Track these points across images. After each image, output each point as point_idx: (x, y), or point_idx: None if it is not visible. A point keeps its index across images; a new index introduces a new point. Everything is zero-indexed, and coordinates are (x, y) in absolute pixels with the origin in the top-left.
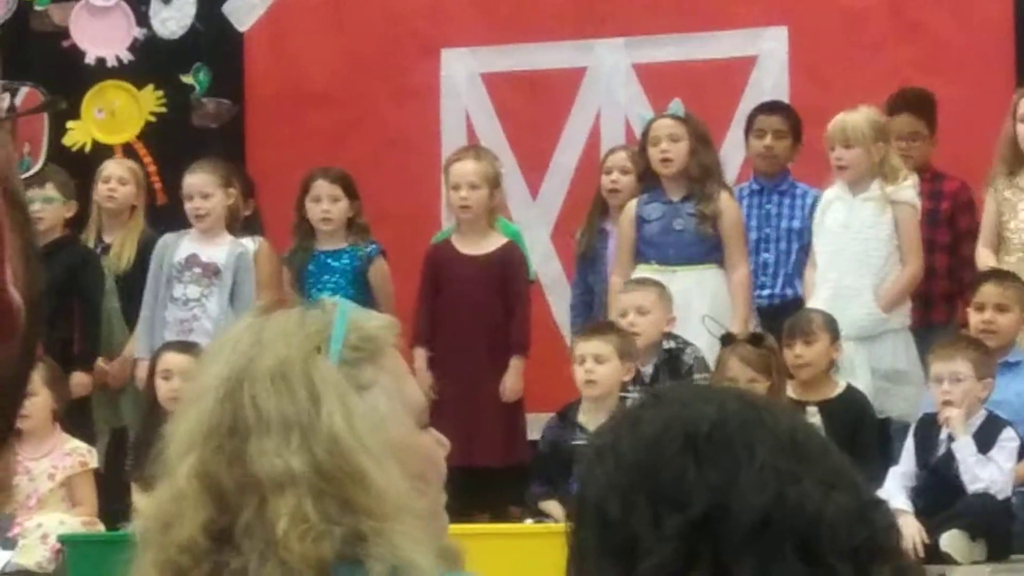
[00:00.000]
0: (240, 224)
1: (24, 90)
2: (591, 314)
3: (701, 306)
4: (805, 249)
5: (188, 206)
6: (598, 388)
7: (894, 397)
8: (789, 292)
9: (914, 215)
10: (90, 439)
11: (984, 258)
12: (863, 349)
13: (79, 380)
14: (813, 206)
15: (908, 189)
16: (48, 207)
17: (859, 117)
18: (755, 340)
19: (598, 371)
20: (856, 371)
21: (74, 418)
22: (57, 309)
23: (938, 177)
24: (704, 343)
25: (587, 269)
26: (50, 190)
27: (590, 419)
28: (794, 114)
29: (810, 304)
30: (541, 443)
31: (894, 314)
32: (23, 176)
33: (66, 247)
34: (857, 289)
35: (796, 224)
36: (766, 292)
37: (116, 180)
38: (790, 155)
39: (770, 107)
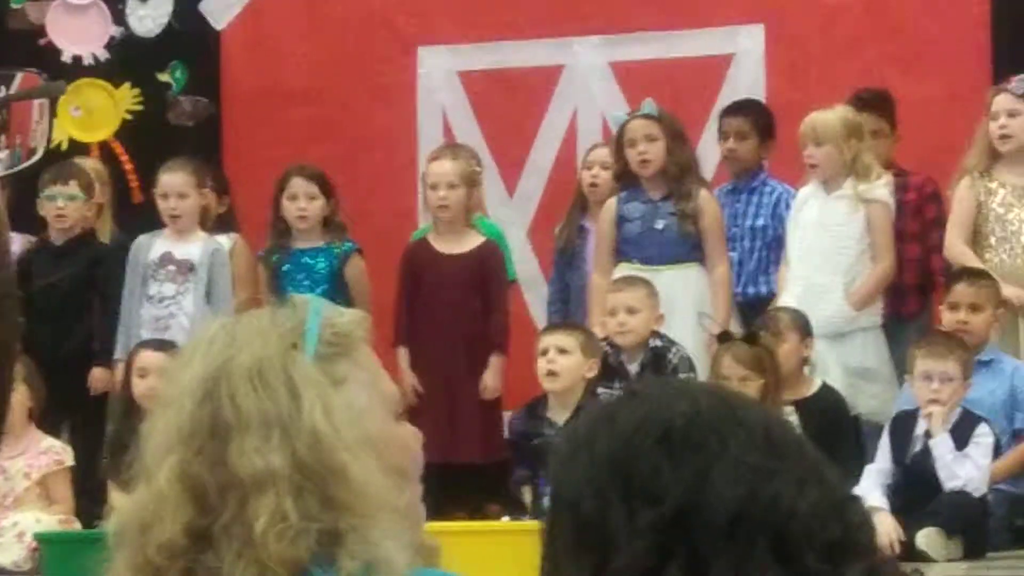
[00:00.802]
0: (214, 222)
1: (19, 75)
2: (568, 311)
3: (685, 305)
4: (770, 247)
5: (163, 205)
6: (559, 381)
7: (864, 395)
8: (752, 291)
9: (887, 214)
10: (102, 437)
11: (959, 252)
12: (834, 347)
13: (99, 375)
14: (778, 204)
15: (882, 188)
16: (71, 204)
17: (831, 115)
18: (750, 339)
19: (559, 361)
20: (828, 369)
21: (89, 415)
22: (77, 305)
23: (901, 172)
24: (690, 341)
25: (565, 266)
26: (74, 187)
27: (557, 414)
28: (762, 113)
29: (781, 301)
30: (510, 434)
31: (865, 312)
32: (16, 168)
33: (86, 244)
34: (827, 287)
35: (760, 222)
36: (735, 290)
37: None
38: (756, 155)
39: (734, 108)
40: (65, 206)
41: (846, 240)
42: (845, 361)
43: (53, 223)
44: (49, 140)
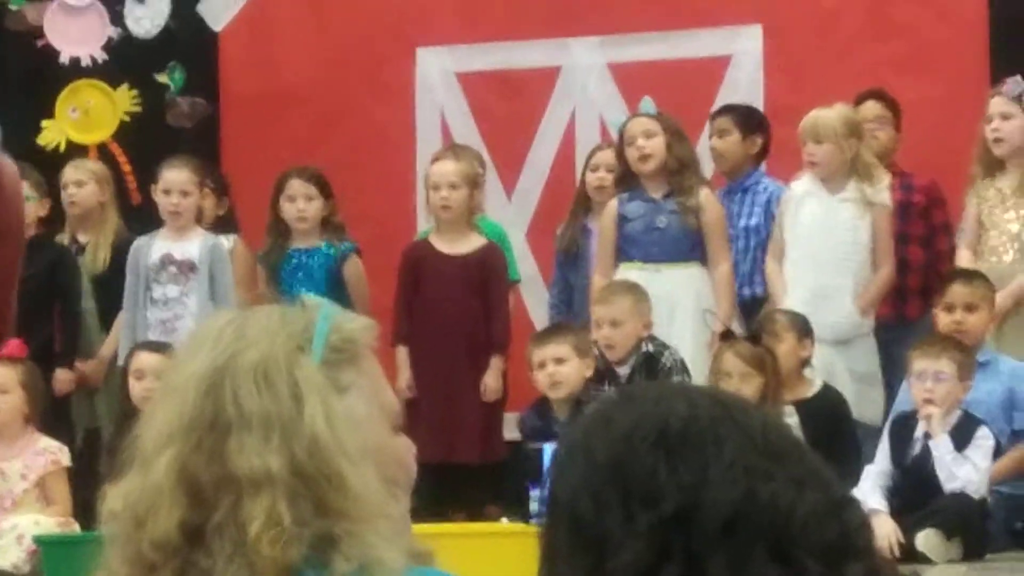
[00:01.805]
0: (214, 223)
1: None
2: (570, 312)
3: (686, 304)
4: (764, 247)
5: (164, 201)
6: (564, 388)
7: (866, 400)
8: (747, 292)
9: (888, 217)
10: (70, 438)
11: (966, 262)
12: (842, 353)
13: (62, 377)
14: (770, 202)
15: (884, 191)
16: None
17: (831, 113)
18: (753, 338)
19: (560, 372)
20: (836, 375)
21: (52, 417)
22: (37, 308)
23: (907, 174)
24: (690, 341)
25: (568, 267)
26: (25, 189)
27: (563, 414)
28: (745, 112)
29: (786, 303)
30: (522, 431)
31: (865, 319)
32: None
33: (43, 246)
34: (837, 291)
35: (753, 221)
36: None
37: (73, 184)
38: (740, 151)
39: (719, 110)
40: None
41: (854, 245)
42: (852, 366)
43: None
44: None
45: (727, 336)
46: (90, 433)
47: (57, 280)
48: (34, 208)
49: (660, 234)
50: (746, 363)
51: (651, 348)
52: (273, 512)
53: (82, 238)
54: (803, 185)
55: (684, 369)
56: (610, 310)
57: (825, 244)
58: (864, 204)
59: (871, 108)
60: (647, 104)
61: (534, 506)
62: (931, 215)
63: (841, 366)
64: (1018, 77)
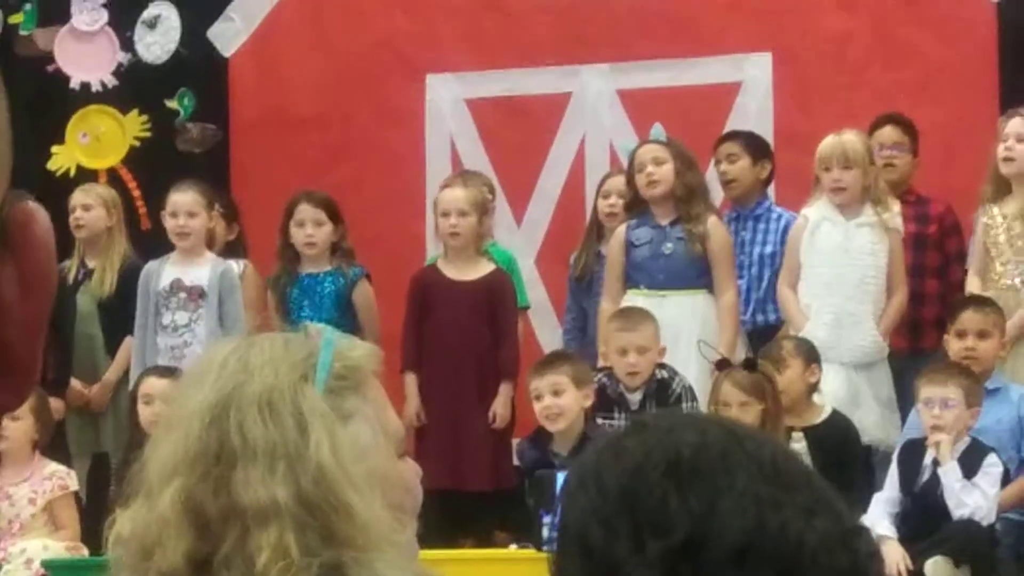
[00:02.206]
0: (224, 249)
1: None
2: (584, 338)
3: (691, 331)
4: (778, 274)
5: (172, 223)
6: (562, 420)
7: (891, 424)
8: (760, 319)
9: (901, 242)
10: (66, 464)
11: (975, 288)
12: (863, 376)
13: (53, 406)
14: (787, 230)
15: (897, 216)
16: None
17: (856, 139)
18: (749, 365)
19: (558, 404)
20: (862, 400)
21: (50, 443)
22: None
23: (922, 200)
24: (694, 368)
25: (582, 293)
26: None
27: (561, 446)
28: (752, 137)
29: (810, 328)
30: (520, 462)
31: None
32: None
33: None
34: (859, 316)
35: (768, 249)
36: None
37: (80, 208)
38: (750, 177)
39: (724, 136)
40: None
41: (873, 269)
42: (876, 392)
43: None
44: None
45: (723, 365)
46: (97, 458)
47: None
48: None
49: (666, 260)
50: (744, 392)
51: (663, 375)
52: (280, 544)
53: (90, 263)
54: (818, 211)
55: (692, 396)
56: (636, 337)
57: (846, 269)
58: (883, 229)
59: (889, 134)
60: (658, 131)
61: (546, 532)
62: (945, 245)
63: (867, 390)
64: None
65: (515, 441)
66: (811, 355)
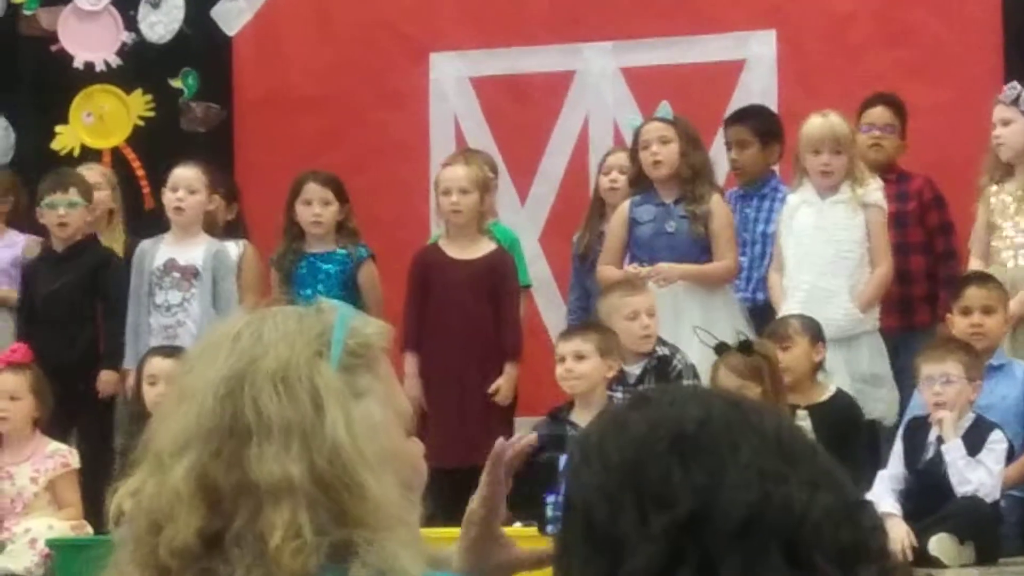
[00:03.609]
0: (224, 229)
1: None
2: (589, 317)
3: (691, 311)
4: None
5: (170, 197)
6: (580, 384)
7: (872, 399)
8: (760, 297)
9: (882, 217)
10: (108, 444)
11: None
12: (841, 352)
13: (107, 378)
14: None
15: (876, 191)
16: (72, 211)
17: (843, 122)
18: (744, 348)
19: (577, 368)
20: (835, 374)
21: (98, 422)
22: (80, 310)
23: (903, 177)
24: (696, 350)
25: (585, 272)
26: (73, 195)
27: (582, 417)
28: (763, 118)
29: (784, 307)
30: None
31: (868, 316)
32: None
33: (89, 249)
34: (833, 291)
35: (771, 228)
36: (739, 295)
37: None
38: (760, 161)
39: (735, 117)
40: (66, 213)
41: (849, 244)
42: (853, 367)
43: (55, 231)
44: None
45: (721, 349)
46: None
47: (100, 282)
48: (82, 214)
49: (669, 238)
50: (740, 376)
51: (665, 351)
52: (294, 522)
53: None
54: (799, 196)
55: (694, 373)
56: (644, 300)
57: (820, 245)
58: (857, 204)
59: (880, 114)
60: (664, 109)
61: (550, 511)
62: (926, 219)
63: (841, 365)
64: (1014, 83)
65: (521, 419)
66: (818, 334)
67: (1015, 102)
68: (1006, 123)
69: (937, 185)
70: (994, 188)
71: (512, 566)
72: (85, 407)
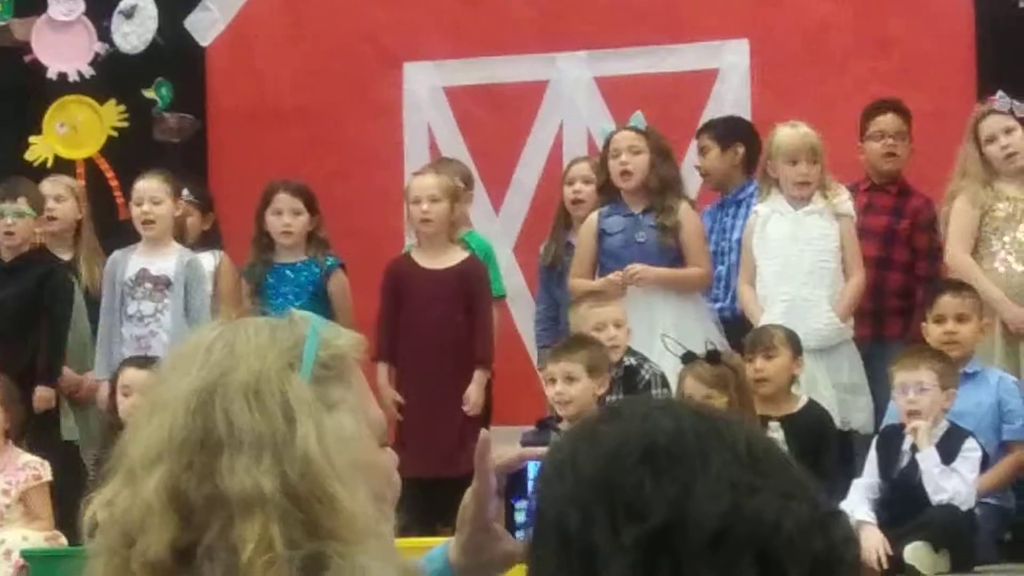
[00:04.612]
0: (199, 239)
1: None
2: (558, 328)
3: (664, 320)
4: None
5: (136, 211)
6: (572, 407)
7: (852, 409)
8: (738, 306)
9: (852, 226)
10: (62, 455)
11: (965, 265)
12: (822, 361)
13: (42, 395)
14: None
15: (847, 202)
16: (20, 221)
17: (813, 132)
18: (712, 357)
19: (568, 391)
20: (817, 384)
21: (39, 433)
22: (25, 323)
23: (904, 191)
24: (670, 360)
25: (553, 283)
26: (22, 204)
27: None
28: (727, 124)
29: (763, 319)
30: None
31: (846, 325)
32: None
33: (35, 262)
34: (813, 300)
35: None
36: (718, 305)
37: (52, 199)
38: (722, 164)
39: (702, 128)
40: (14, 223)
41: (825, 254)
42: (834, 376)
43: (2, 240)
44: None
45: (687, 358)
46: (64, 447)
47: (44, 295)
48: (30, 224)
49: (640, 249)
50: (707, 385)
51: (632, 361)
52: (265, 535)
53: (60, 255)
54: (768, 205)
55: (663, 383)
56: (611, 311)
57: (798, 256)
58: (831, 214)
59: (891, 122)
60: (637, 119)
61: (520, 517)
62: (915, 240)
63: (823, 375)
64: (1000, 92)
65: (496, 429)
66: (798, 347)
67: (1010, 111)
68: (1009, 131)
69: (935, 209)
70: (989, 191)
71: (507, 559)
72: (29, 421)
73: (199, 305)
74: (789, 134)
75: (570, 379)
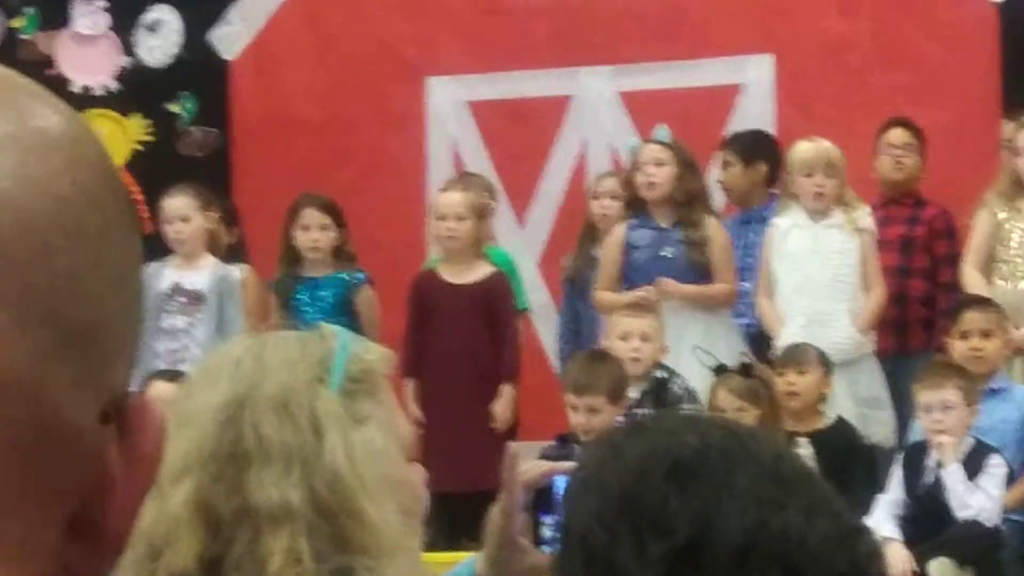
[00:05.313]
0: (225, 253)
1: None
2: (580, 342)
3: (693, 335)
4: None
5: (167, 229)
6: (595, 434)
7: (873, 422)
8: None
9: (873, 242)
10: None
11: (974, 280)
12: (843, 376)
13: None
14: None
15: (867, 216)
16: None
17: (833, 147)
18: (744, 370)
19: (592, 422)
20: (837, 398)
21: None
22: None
23: (919, 203)
24: (696, 372)
25: (576, 296)
26: None
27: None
28: (750, 138)
29: (784, 333)
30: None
31: (866, 339)
32: None
33: None
34: (833, 314)
35: None
36: (744, 321)
37: None
38: (745, 180)
39: (727, 141)
40: None
41: (845, 268)
42: (855, 390)
43: None
44: None
45: (720, 371)
46: None
47: None
48: None
49: (667, 264)
50: (739, 397)
51: (662, 375)
52: (293, 548)
53: None
54: (787, 219)
55: (693, 398)
56: (641, 323)
57: (817, 270)
58: (852, 229)
59: (899, 135)
60: (662, 132)
61: (548, 531)
62: (934, 248)
63: (843, 389)
64: None
65: (523, 444)
66: (829, 368)
67: None
68: None
69: (952, 218)
70: (1010, 204)
71: (534, 573)
72: None
73: (231, 319)
74: (806, 147)
75: (592, 410)
